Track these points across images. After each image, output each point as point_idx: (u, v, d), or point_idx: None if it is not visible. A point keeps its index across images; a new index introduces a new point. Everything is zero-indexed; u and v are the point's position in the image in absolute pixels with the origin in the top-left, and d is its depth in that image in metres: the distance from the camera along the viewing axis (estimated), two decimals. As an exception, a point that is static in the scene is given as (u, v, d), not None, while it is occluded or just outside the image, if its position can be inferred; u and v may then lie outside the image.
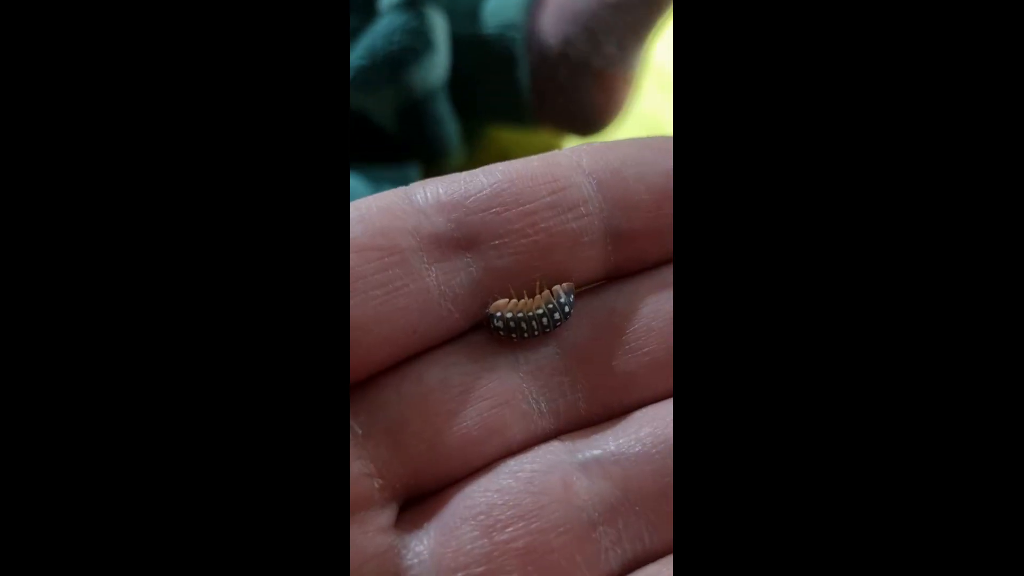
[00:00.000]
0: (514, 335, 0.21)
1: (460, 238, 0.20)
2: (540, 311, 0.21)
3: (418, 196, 0.20)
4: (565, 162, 0.21)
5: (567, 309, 0.21)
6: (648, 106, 0.57)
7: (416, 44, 0.48)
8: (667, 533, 0.20)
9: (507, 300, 0.21)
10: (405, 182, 0.22)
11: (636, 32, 0.49)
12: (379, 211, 0.20)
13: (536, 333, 0.21)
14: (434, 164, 0.53)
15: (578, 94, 0.52)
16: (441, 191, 0.21)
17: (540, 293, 0.21)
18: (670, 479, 0.19)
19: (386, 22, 0.48)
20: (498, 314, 0.21)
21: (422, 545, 0.19)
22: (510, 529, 0.19)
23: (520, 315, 0.21)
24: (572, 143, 0.57)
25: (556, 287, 0.21)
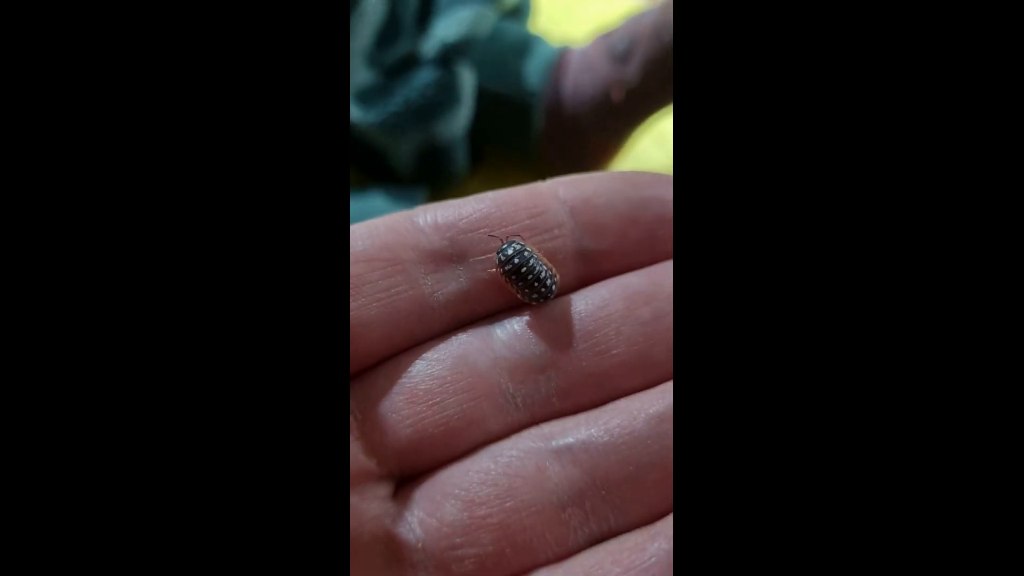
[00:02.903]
0: (516, 260, 0.23)
1: (453, 253, 0.23)
2: (543, 267, 0.23)
3: (420, 218, 0.23)
4: (545, 191, 0.23)
5: (554, 288, 0.23)
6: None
7: (446, 98, 0.55)
8: (631, 515, 0.21)
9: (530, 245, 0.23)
10: (415, 202, 0.27)
11: (635, 121, 0.56)
12: (386, 229, 0.23)
13: (530, 278, 0.23)
14: (437, 191, 0.60)
15: (575, 157, 0.59)
16: (439, 215, 0.23)
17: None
18: (634, 468, 0.21)
19: (422, 75, 0.55)
20: (518, 243, 0.23)
21: (412, 515, 0.21)
22: (487, 506, 0.21)
23: (534, 255, 0.23)
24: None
25: (553, 267, 0.23)
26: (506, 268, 0.23)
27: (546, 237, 0.23)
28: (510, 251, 0.23)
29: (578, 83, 0.57)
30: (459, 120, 0.56)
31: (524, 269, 0.23)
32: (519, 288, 0.23)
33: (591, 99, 0.56)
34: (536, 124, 0.58)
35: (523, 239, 0.23)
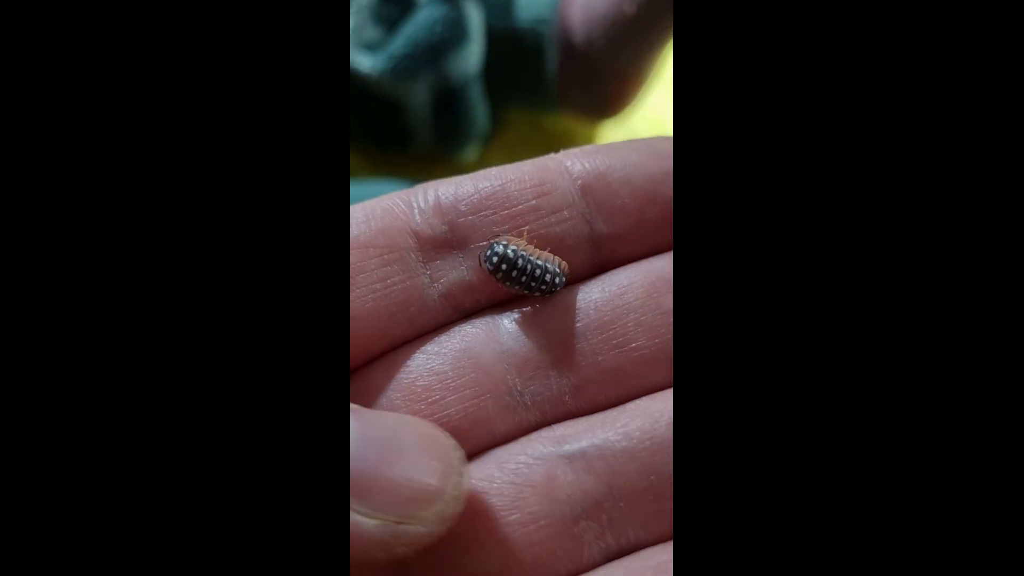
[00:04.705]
0: (504, 266, 0.21)
1: (453, 239, 0.21)
2: (539, 261, 0.21)
3: (419, 198, 0.22)
4: (554, 167, 0.22)
5: (557, 280, 0.21)
6: (656, 106, 0.63)
7: (455, 34, 0.54)
8: (654, 528, 0.19)
9: (520, 240, 0.21)
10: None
11: (650, 43, 0.54)
12: (383, 212, 0.21)
13: (523, 279, 0.21)
14: (460, 148, 0.59)
15: (595, 87, 0.58)
16: (440, 194, 0.22)
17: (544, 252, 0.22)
18: (656, 477, 0.19)
19: (426, 13, 0.53)
20: (504, 242, 0.21)
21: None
22: (491, 519, 0.19)
23: (523, 252, 0.21)
24: (585, 128, 0.63)
25: (557, 257, 0.22)
26: (496, 277, 0.21)
27: (553, 220, 0.21)
28: (495, 259, 0.21)
29: (588, 5, 0.55)
30: (470, 56, 0.55)
31: (515, 272, 0.21)
32: (517, 289, 0.21)
33: (603, 19, 0.54)
34: (550, 55, 0.56)
35: (516, 232, 0.21)
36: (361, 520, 0.17)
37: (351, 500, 0.17)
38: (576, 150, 0.22)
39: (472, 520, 0.19)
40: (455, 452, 0.19)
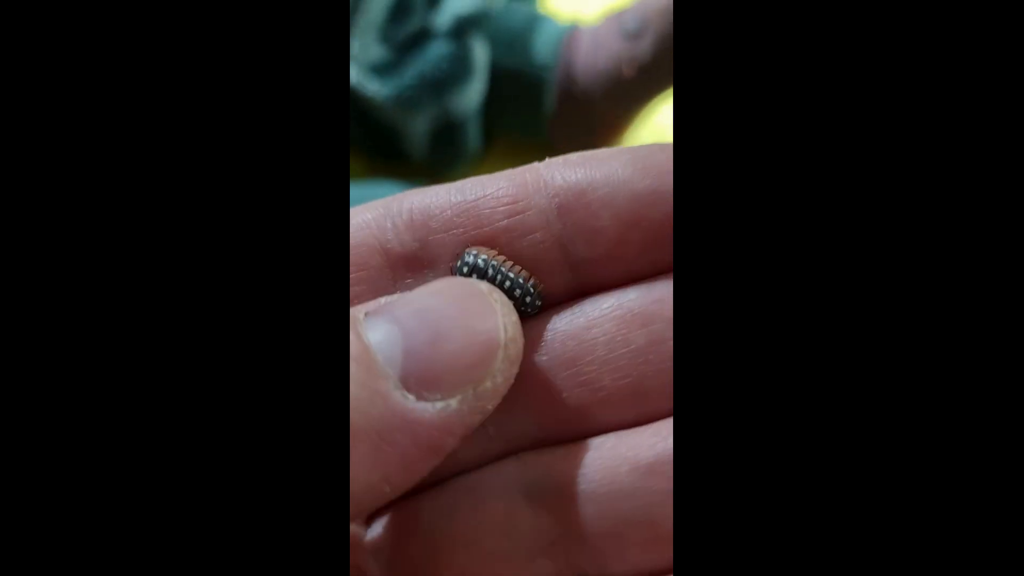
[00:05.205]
0: (475, 278, 0.20)
1: (423, 258, 0.20)
2: (513, 275, 0.20)
3: (393, 211, 0.21)
4: (531, 182, 0.20)
5: (531, 302, 0.21)
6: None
7: (459, 72, 0.56)
8: (615, 570, 0.19)
9: (493, 251, 0.20)
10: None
11: (641, 98, 0.58)
12: (355, 227, 0.20)
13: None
14: (451, 170, 0.61)
15: (585, 129, 0.61)
16: (414, 207, 0.20)
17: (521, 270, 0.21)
18: (614, 523, 0.19)
19: (436, 49, 0.56)
20: (474, 252, 0.20)
21: (378, 557, 0.20)
22: (450, 552, 0.20)
23: (495, 263, 0.20)
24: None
25: (534, 278, 0.21)
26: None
27: (525, 244, 0.20)
28: (465, 269, 0.20)
29: (589, 59, 0.58)
30: (473, 94, 0.57)
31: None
32: None
33: (602, 74, 0.57)
34: (548, 100, 0.59)
35: (494, 243, 0.20)
36: (442, 406, 0.17)
37: (423, 394, 0.17)
38: (559, 160, 0.20)
39: (430, 554, 0.20)
40: (493, 293, 0.18)
